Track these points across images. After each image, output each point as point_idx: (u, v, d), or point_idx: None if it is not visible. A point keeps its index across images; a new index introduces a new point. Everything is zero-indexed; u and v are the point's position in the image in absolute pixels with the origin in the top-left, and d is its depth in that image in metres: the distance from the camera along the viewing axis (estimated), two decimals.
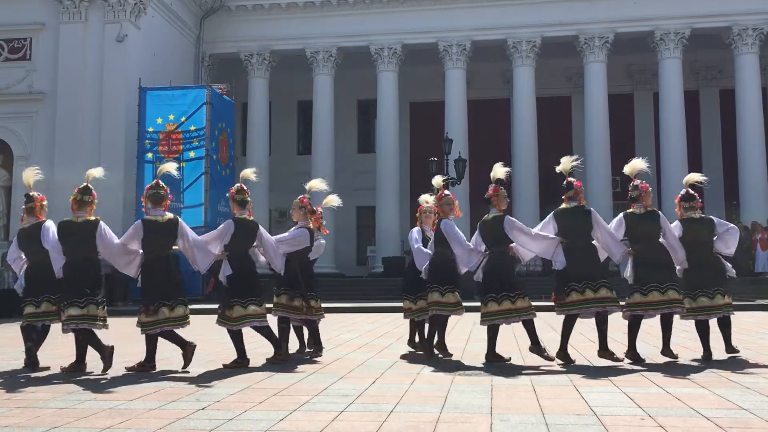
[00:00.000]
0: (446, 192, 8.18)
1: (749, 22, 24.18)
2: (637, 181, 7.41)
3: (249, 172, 7.70)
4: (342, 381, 5.91)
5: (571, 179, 7.37)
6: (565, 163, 7.48)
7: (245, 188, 7.31)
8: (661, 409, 4.63)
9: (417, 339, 8.25)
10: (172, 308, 6.74)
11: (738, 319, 10.51)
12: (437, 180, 8.55)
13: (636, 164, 7.53)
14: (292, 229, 7.94)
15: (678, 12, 24.34)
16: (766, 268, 21.41)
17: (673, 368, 6.50)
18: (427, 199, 8.46)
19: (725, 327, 7.39)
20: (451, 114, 25.30)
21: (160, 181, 7.06)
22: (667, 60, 24.66)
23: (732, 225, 7.83)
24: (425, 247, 7.88)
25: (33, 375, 6.59)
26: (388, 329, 11.36)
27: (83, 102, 22.33)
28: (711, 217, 7.53)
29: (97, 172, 7.32)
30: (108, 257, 6.92)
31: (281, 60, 26.88)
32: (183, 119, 21.89)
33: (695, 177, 7.73)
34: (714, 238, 7.41)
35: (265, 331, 7.12)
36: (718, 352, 7.21)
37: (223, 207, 23.12)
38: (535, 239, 7.14)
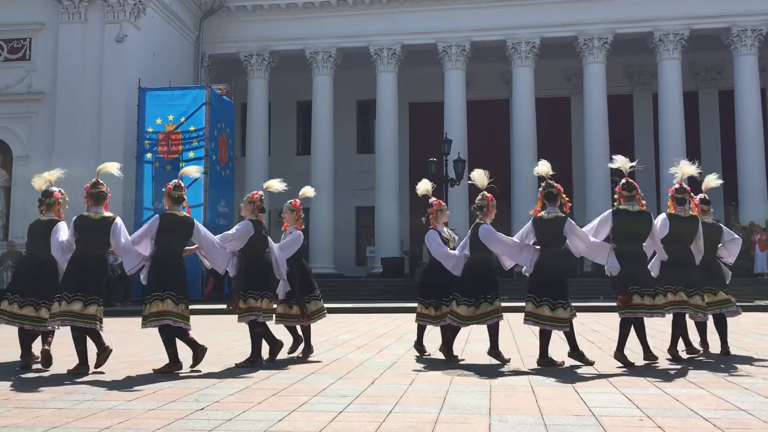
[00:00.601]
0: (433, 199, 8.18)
1: (748, 23, 24.20)
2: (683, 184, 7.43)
3: (192, 170, 8.01)
4: (341, 381, 5.92)
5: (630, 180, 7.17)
6: (623, 163, 7.35)
7: (182, 185, 7.34)
8: (660, 409, 4.64)
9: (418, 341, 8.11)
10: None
11: (736, 319, 10.52)
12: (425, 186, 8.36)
13: (686, 169, 7.52)
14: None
15: (677, 13, 24.35)
16: (765, 269, 21.40)
17: (672, 369, 6.51)
18: (428, 188, 8.42)
19: (720, 326, 7.41)
20: (450, 115, 25.31)
21: (99, 179, 7.04)
22: (667, 61, 24.68)
23: (737, 236, 7.92)
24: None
25: (30, 375, 6.58)
26: (387, 330, 11.36)
27: (83, 102, 22.33)
28: (720, 225, 7.62)
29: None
30: (119, 254, 6.88)
31: (281, 60, 26.88)
32: (182, 119, 21.90)
33: (712, 182, 7.78)
34: (719, 245, 7.49)
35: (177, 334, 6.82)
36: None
37: (222, 207, 23.16)
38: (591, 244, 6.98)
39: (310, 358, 7.56)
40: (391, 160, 25.65)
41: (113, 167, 7.24)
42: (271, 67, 26.76)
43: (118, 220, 6.85)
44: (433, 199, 8.05)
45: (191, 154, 21.89)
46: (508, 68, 26.04)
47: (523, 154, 24.90)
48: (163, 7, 24.29)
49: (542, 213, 7.06)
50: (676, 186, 7.52)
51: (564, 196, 7.13)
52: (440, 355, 7.55)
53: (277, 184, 8.09)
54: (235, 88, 25.16)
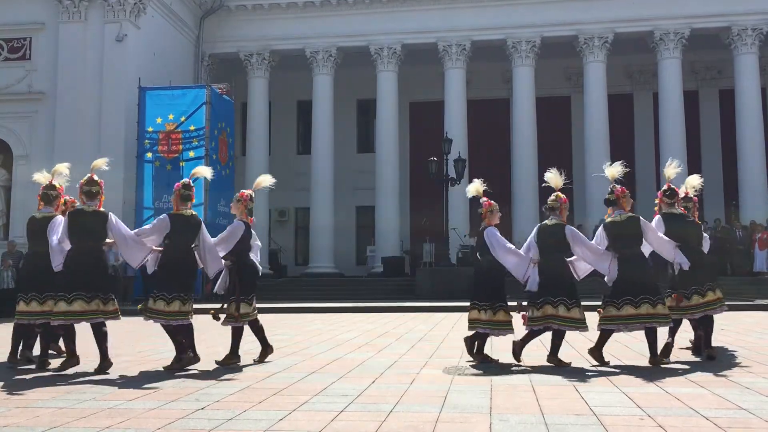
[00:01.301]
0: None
1: (748, 22, 24.18)
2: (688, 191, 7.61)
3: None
4: (341, 381, 5.92)
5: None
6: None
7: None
8: (661, 408, 4.63)
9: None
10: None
11: (737, 318, 10.53)
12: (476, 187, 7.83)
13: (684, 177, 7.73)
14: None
15: (677, 12, 24.34)
16: (764, 268, 21.40)
17: (673, 368, 6.51)
18: (478, 189, 7.92)
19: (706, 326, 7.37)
20: (450, 114, 25.30)
21: (53, 182, 7.19)
22: (667, 60, 24.66)
23: (705, 234, 8.01)
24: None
25: (29, 375, 6.58)
26: (388, 329, 11.36)
27: (83, 102, 22.32)
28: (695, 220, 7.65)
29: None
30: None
31: (281, 60, 26.88)
32: (183, 119, 21.89)
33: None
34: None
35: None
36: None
37: (222, 206, 23.14)
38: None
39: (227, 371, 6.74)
40: (391, 159, 25.65)
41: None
42: (272, 66, 26.75)
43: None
44: (483, 200, 7.61)
45: (191, 154, 21.88)
46: (509, 67, 26.03)
47: (524, 153, 24.90)
48: (163, 7, 24.28)
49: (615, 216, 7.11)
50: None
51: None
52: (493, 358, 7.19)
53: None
54: (236, 87, 25.15)
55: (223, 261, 7.16)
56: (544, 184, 7.40)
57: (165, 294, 6.76)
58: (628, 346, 8.30)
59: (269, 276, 25.07)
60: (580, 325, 6.84)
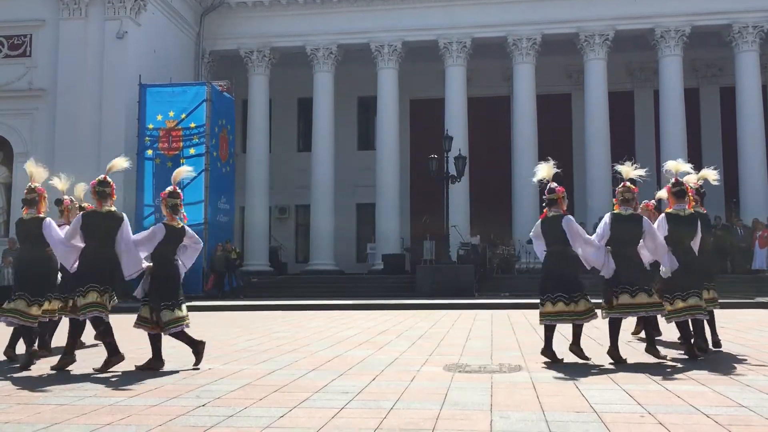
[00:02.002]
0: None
1: (749, 19, 24.16)
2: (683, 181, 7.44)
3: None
4: (342, 378, 5.92)
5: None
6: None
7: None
8: (661, 406, 4.64)
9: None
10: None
11: (737, 316, 10.53)
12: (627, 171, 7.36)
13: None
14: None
15: (678, 9, 24.32)
16: (764, 266, 21.41)
17: (673, 366, 6.51)
18: (550, 173, 7.33)
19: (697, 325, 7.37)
20: (451, 111, 25.29)
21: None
22: (668, 57, 24.64)
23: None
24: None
25: (30, 372, 6.59)
26: (388, 326, 11.36)
27: (83, 99, 22.31)
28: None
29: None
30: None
31: (281, 57, 26.86)
32: (183, 116, 21.90)
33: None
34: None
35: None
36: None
37: (223, 204, 23.17)
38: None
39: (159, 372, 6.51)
40: (391, 156, 25.64)
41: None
42: (272, 63, 26.74)
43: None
44: (554, 185, 7.14)
45: (192, 151, 21.90)
46: (509, 65, 26.02)
47: (524, 150, 24.88)
48: (163, 4, 24.26)
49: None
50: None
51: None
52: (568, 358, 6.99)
53: (120, 163, 7.20)
54: (236, 84, 25.16)
55: (144, 264, 6.79)
56: (544, 185, 7.27)
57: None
58: (634, 347, 8.30)
59: (270, 273, 25.12)
60: (659, 309, 6.95)
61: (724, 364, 6.59)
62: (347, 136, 28.42)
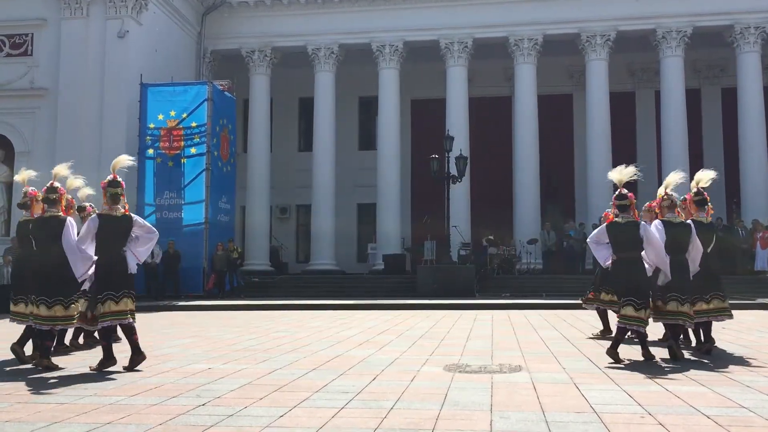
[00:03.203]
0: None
1: (751, 20, 24.13)
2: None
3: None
4: (342, 378, 5.92)
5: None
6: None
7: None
8: (662, 407, 4.63)
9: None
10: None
11: (738, 317, 10.52)
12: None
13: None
14: None
15: (680, 10, 24.29)
16: (765, 267, 21.39)
17: (673, 366, 6.51)
18: (622, 178, 7.39)
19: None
20: (452, 111, 25.28)
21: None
22: (669, 58, 24.62)
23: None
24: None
25: (31, 372, 6.59)
26: (389, 326, 11.36)
27: (85, 98, 22.32)
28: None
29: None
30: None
31: (283, 57, 26.86)
32: (184, 116, 21.89)
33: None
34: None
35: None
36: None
37: (224, 203, 23.16)
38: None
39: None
40: (392, 156, 25.63)
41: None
42: (273, 63, 26.73)
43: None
44: (625, 191, 7.20)
45: (193, 150, 21.89)
46: (511, 65, 26.00)
47: (526, 150, 24.86)
48: (165, 3, 24.27)
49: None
50: (694, 191, 7.57)
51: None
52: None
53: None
54: (237, 84, 25.13)
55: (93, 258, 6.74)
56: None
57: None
58: (633, 347, 8.30)
59: (270, 273, 25.12)
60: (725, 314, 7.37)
61: (724, 365, 6.59)
62: (348, 136, 28.42)
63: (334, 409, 4.60)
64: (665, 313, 7.20)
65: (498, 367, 6.49)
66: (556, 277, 21.99)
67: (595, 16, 24.72)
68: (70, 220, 6.86)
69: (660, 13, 24.36)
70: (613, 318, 8.09)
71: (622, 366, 6.52)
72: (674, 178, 7.46)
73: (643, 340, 6.99)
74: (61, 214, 6.88)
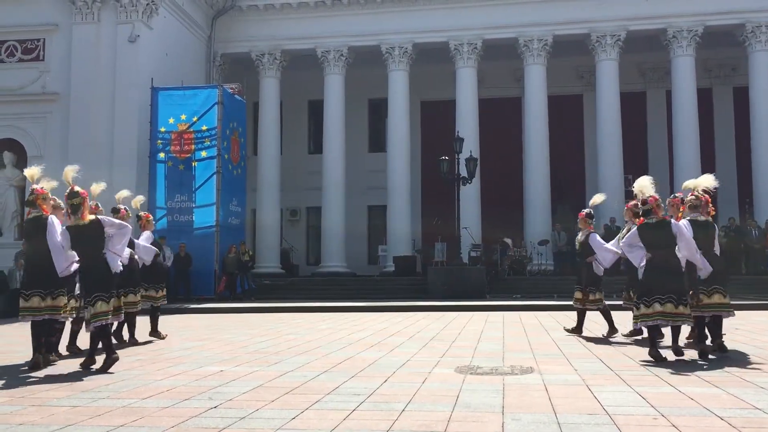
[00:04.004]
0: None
1: (762, 19, 23.96)
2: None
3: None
4: (353, 380, 5.92)
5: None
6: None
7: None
8: (674, 408, 4.61)
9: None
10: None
11: (751, 317, 10.46)
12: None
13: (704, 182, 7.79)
14: None
15: (691, 9, 24.17)
16: None
17: (686, 368, 6.47)
18: (643, 189, 7.61)
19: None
20: (462, 113, 25.24)
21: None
22: (680, 58, 24.49)
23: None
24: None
25: (44, 373, 6.63)
26: (400, 328, 11.36)
27: (96, 102, 22.44)
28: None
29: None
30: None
31: (292, 59, 26.92)
32: (195, 119, 21.98)
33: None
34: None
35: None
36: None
37: (235, 206, 23.23)
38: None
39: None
40: (402, 158, 25.63)
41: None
42: (283, 66, 26.80)
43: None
44: (645, 196, 7.42)
45: (204, 154, 21.97)
46: (520, 66, 25.94)
47: (536, 151, 24.80)
48: (175, 7, 24.38)
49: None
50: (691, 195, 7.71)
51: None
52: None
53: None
54: (247, 87, 25.21)
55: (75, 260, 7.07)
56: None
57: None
58: (644, 348, 8.26)
59: (281, 275, 25.16)
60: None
61: (738, 366, 6.55)
62: (358, 138, 28.44)
63: (346, 411, 4.61)
64: (703, 307, 7.40)
65: (509, 368, 6.48)
66: (567, 278, 21.87)
67: (604, 16, 24.63)
68: (52, 218, 7.11)
69: (670, 13, 24.24)
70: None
71: (661, 365, 6.51)
72: (709, 181, 7.65)
73: (655, 339, 7.22)
74: (43, 214, 7.15)
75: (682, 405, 4.72)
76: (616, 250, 9.02)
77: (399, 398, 5.03)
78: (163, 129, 21.97)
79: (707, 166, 24.06)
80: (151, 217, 10.41)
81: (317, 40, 26.01)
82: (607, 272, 9.71)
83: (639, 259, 7.39)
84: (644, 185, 7.42)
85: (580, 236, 9.77)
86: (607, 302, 9.73)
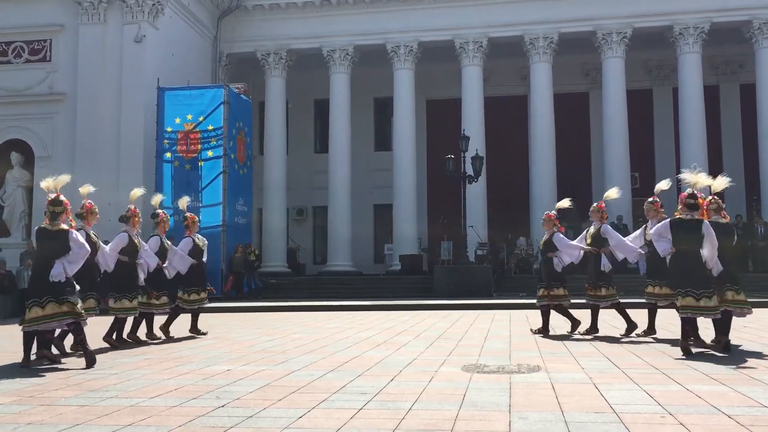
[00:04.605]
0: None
1: None
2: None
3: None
4: (360, 379, 5.93)
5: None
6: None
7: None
8: (682, 406, 4.60)
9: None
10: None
11: (759, 315, 10.41)
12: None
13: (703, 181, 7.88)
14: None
15: (697, 6, 24.09)
16: None
17: (694, 366, 6.45)
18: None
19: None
20: (467, 111, 25.22)
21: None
22: (687, 55, 24.40)
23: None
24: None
25: (53, 372, 6.66)
26: (406, 327, 11.36)
27: (103, 102, 22.52)
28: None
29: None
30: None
31: (298, 59, 26.94)
32: (201, 119, 22.03)
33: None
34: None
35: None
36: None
37: (241, 206, 23.27)
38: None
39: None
40: (408, 157, 25.63)
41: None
42: (289, 65, 26.82)
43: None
44: (696, 191, 7.63)
45: (210, 153, 22.02)
46: (526, 64, 25.91)
47: (542, 149, 24.76)
48: (181, 7, 24.43)
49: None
50: (688, 192, 7.67)
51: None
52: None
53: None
54: (253, 86, 25.25)
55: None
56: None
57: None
58: (652, 345, 8.25)
59: (288, 274, 25.20)
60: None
61: (746, 364, 6.53)
62: (364, 137, 28.45)
63: (353, 410, 4.61)
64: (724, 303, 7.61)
65: (516, 367, 6.47)
66: (575, 276, 21.83)
67: (610, 13, 24.56)
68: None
69: (677, 10, 24.16)
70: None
71: (641, 364, 6.49)
72: (722, 182, 7.82)
73: (695, 330, 7.57)
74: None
75: (689, 403, 4.71)
76: (582, 246, 9.66)
77: (406, 397, 5.03)
78: (169, 129, 22.02)
79: (714, 164, 23.98)
80: (197, 219, 10.85)
81: (323, 39, 26.03)
82: (567, 270, 9.91)
83: (664, 249, 7.61)
84: (701, 181, 7.64)
85: (545, 236, 10.00)
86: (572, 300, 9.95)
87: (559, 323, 10.36)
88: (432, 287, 21.10)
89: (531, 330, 10.09)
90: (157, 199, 10.58)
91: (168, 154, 22.00)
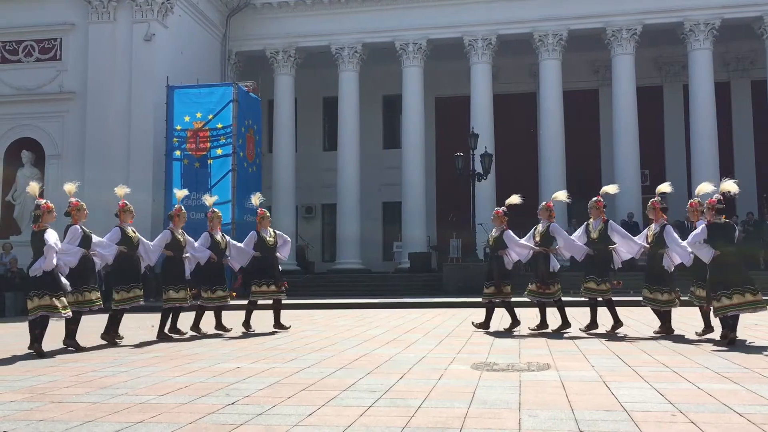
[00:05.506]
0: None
1: None
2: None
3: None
4: (369, 376, 5.93)
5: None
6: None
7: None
8: (693, 404, 4.58)
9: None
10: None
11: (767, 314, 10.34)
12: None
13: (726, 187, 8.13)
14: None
15: (708, 2, 23.94)
16: None
17: (705, 364, 6.42)
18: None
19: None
20: (476, 109, 25.18)
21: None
22: (697, 51, 24.27)
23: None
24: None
25: (64, 368, 6.70)
26: (415, 325, 11.36)
27: (113, 101, 22.62)
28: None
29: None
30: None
31: (306, 57, 26.96)
32: (210, 117, 22.07)
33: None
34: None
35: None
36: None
37: (250, 204, 23.29)
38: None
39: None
40: (417, 155, 25.61)
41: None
42: (297, 63, 26.85)
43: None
44: (720, 197, 8.12)
45: (219, 151, 22.06)
46: (535, 61, 25.83)
47: (551, 147, 24.69)
48: (190, 6, 24.49)
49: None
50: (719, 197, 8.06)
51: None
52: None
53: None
54: (262, 84, 25.29)
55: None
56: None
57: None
58: (661, 343, 8.22)
59: (297, 272, 25.23)
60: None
61: (757, 362, 6.49)
62: (373, 134, 28.45)
63: (362, 407, 4.61)
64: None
65: (526, 365, 6.46)
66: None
67: (620, 10, 24.44)
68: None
69: (687, 6, 24.03)
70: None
71: (651, 362, 6.47)
72: (732, 186, 8.01)
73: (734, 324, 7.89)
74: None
75: (700, 401, 4.69)
76: (531, 245, 9.96)
77: (415, 395, 5.03)
78: (178, 127, 22.08)
79: (725, 161, 23.87)
80: (220, 213, 11.55)
81: (331, 37, 26.03)
82: (516, 269, 10.18)
83: (708, 255, 7.90)
84: (731, 188, 7.97)
85: (494, 232, 10.26)
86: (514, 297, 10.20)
87: (530, 316, 10.29)
88: (441, 285, 21.08)
89: (473, 324, 10.33)
90: (180, 193, 11.16)
91: (177, 152, 22.05)
